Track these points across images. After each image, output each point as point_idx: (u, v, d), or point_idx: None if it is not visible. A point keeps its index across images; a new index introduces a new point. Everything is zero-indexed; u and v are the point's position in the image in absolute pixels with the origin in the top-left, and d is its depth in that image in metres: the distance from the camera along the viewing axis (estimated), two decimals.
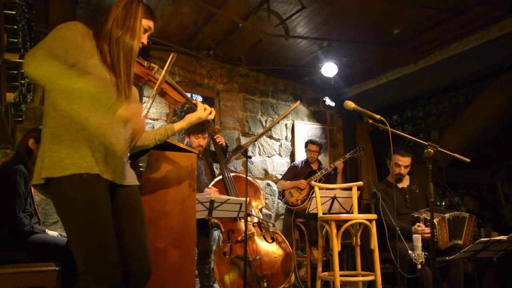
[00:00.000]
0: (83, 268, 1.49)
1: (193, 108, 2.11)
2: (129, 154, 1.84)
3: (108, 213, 1.56)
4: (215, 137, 3.95)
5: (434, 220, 3.12)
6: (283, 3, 3.74)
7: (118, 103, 1.50)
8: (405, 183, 3.69)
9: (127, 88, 1.66)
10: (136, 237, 1.69)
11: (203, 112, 2.07)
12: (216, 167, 4.18)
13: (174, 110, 4.80)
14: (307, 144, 4.83)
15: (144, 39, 1.79)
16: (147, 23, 1.77)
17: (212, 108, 2.12)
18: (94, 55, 1.61)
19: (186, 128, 2.13)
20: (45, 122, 1.58)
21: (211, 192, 3.43)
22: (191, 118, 2.08)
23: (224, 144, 4.02)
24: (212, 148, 4.11)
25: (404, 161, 3.60)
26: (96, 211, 1.52)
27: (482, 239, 2.92)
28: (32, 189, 2.93)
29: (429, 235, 3.14)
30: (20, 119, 2.85)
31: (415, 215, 3.33)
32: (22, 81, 2.48)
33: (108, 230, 1.53)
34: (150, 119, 4.58)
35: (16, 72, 2.36)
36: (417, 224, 3.25)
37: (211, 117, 2.11)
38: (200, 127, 3.78)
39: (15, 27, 2.16)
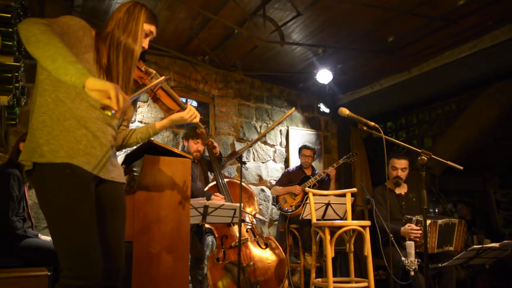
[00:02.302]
0: (64, 264, 1.48)
1: None
2: (118, 153, 1.82)
3: (91, 208, 1.54)
4: (209, 142, 3.95)
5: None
6: (279, 10, 3.76)
7: (85, 74, 1.33)
8: (402, 190, 3.71)
9: (125, 92, 1.66)
10: (117, 234, 1.69)
11: (189, 115, 2.00)
12: (210, 173, 4.18)
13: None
14: (301, 149, 4.84)
15: (146, 43, 1.79)
16: (149, 27, 1.77)
17: (198, 114, 2.06)
18: (90, 52, 1.61)
19: (167, 126, 2.06)
20: (32, 107, 1.57)
21: (218, 199, 3.43)
22: (174, 117, 2.00)
23: (218, 153, 4.03)
24: (206, 153, 4.10)
25: (400, 163, 3.62)
26: (78, 207, 1.50)
27: (475, 246, 2.94)
28: (26, 193, 2.92)
29: (418, 235, 3.17)
30: (14, 122, 2.83)
31: (408, 217, 3.34)
32: (16, 84, 2.47)
33: (90, 226, 1.52)
34: (145, 123, 4.57)
35: (10, 75, 2.35)
36: (408, 224, 3.26)
37: (196, 120, 2.05)
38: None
39: (10, 30, 2.16)
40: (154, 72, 1.85)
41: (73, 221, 1.49)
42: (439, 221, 3.23)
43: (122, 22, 1.69)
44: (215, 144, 4.03)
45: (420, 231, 3.17)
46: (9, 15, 2.11)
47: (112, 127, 1.70)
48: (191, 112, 2.01)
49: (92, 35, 1.65)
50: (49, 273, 2.58)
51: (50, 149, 1.49)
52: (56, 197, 1.49)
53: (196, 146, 3.79)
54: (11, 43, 2.21)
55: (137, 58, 1.74)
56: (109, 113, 1.33)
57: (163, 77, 1.85)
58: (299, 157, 4.86)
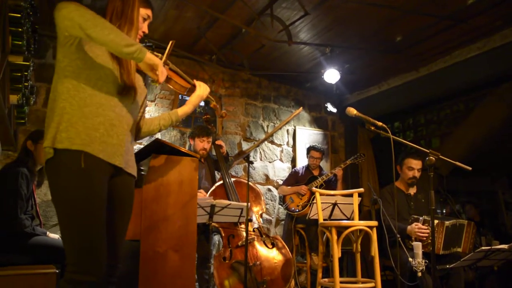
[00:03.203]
0: (71, 259, 1.49)
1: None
2: (134, 145, 1.84)
3: (103, 204, 1.56)
4: (217, 142, 3.96)
5: None
6: (287, 9, 3.76)
7: (143, 51, 1.55)
8: (412, 190, 3.69)
9: (129, 76, 1.68)
10: (120, 231, 1.71)
11: (203, 90, 2.02)
12: (217, 172, 4.19)
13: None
14: (309, 150, 4.82)
15: (145, 28, 1.81)
16: (145, 12, 1.79)
17: (207, 86, 2.07)
18: None
19: (190, 112, 2.07)
20: (54, 96, 1.59)
21: (201, 196, 3.40)
22: (192, 99, 2.02)
23: (225, 152, 4.03)
24: (213, 153, 4.11)
25: (417, 164, 3.59)
26: (91, 203, 1.51)
27: (483, 248, 2.91)
28: (35, 191, 2.94)
29: (425, 234, 3.15)
30: (23, 121, 2.86)
31: (415, 217, 3.32)
32: (25, 83, 2.49)
33: (100, 223, 1.53)
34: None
35: (20, 74, 2.37)
36: (414, 223, 3.24)
37: (207, 90, 2.05)
38: (205, 131, 3.78)
39: (20, 29, 2.18)
40: (160, 54, 1.84)
41: (83, 216, 1.50)
42: (446, 223, 3.20)
43: (118, 10, 1.71)
44: (222, 143, 4.04)
45: (427, 231, 3.15)
46: (19, 15, 2.13)
47: (130, 115, 1.72)
48: (202, 87, 2.02)
49: None
50: (57, 271, 2.59)
51: (68, 135, 1.51)
52: (68, 189, 1.50)
53: (202, 144, 3.79)
54: (20, 42, 2.23)
55: None
56: (156, 84, 1.68)
57: (170, 42, 1.85)
58: (307, 158, 4.84)
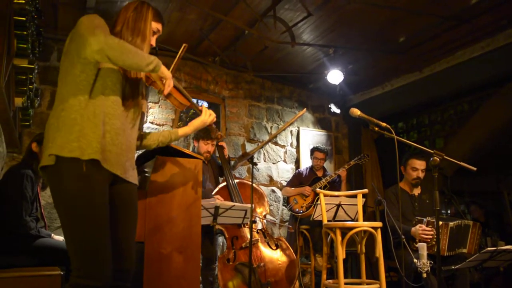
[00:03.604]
0: (75, 264, 1.50)
1: (198, 114, 2.12)
2: (135, 155, 1.86)
3: (105, 209, 1.57)
4: (220, 144, 3.97)
5: None
6: (290, 10, 3.76)
7: (159, 64, 1.65)
8: (417, 191, 3.67)
9: (134, 85, 1.72)
10: (128, 235, 1.71)
11: (207, 116, 2.09)
12: (220, 178, 4.19)
13: (179, 116, 4.82)
14: (313, 151, 4.82)
15: (153, 41, 1.82)
16: (156, 26, 1.80)
17: (213, 112, 2.13)
18: None
19: (190, 133, 2.15)
20: (64, 107, 1.59)
21: (218, 200, 3.43)
22: (195, 123, 2.10)
23: (227, 156, 4.04)
24: (216, 154, 4.11)
25: (421, 164, 3.57)
26: (93, 208, 1.52)
27: (489, 249, 2.90)
28: (39, 193, 2.95)
29: (429, 236, 3.13)
30: (28, 123, 2.88)
31: (419, 218, 3.30)
32: (30, 86, 2.51)
33: (103, 227, 1.54)
34: (156, 124, 4.60)
35: (24, 77, 2.39)
36: (419, 225, 3.23)
37: (213, 120, 2.12)
38: (210, 133, 3.79)
39: (25, 33, 2.19)
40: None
41: (87, 221, 1.51)
42: (451, 224, 3.19)
43: (131, 21, 1.73)
44: (225, 145, 4.04)
45: (431, 232, 3.13)
46: (24, 18, 2.14)
47: (132, 126, 1.74)
48: (207, 113, 2.09)
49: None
50: (62, 273, 2.59)
51: (79, 145, 1.53)
52: (71, 194, 1.51)
53: (206, 147, 3.80)
54: (25, 45, 2.25)
55: None
56: (160, 95, 1.81)
57: (183, 46, 1.91)
58: (311, 159, 4.84)
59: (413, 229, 3.24)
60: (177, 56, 1.85)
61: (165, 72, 1.71)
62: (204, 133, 3.79)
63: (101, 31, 1.53)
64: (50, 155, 1.54)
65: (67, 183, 1.51)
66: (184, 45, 1.87)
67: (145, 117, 2.10)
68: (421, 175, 3.58)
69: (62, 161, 1.52)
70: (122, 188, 1.70)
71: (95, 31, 1.50)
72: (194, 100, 2.44)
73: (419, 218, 3.28)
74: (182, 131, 2.09)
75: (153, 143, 2.01)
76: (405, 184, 3.67)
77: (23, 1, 2.09)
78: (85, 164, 1.52)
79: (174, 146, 2.39)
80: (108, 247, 1.54)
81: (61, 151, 1.52)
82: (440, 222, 3.11)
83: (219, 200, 3.50)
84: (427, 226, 3.19)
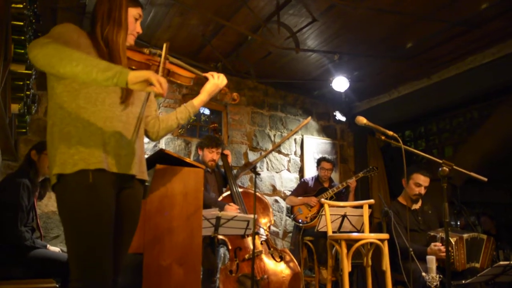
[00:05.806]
0: (75, 275, 1.48)
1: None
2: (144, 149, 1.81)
3: (111, 222, 1.54)
4: (224, 152, 3.93)
5: (452, 240, 3.01)
6: (294, 16, 3.69)
7: (124, 73, 1.37)
8: (416, 205, 3.56)
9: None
10: (123, 247, 1.68)
11: (217, 79, 1.96)
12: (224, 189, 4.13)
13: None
14: (319, 161, 4.73)
15: (138, 27, 1.78)
16: (135, 11, 1.75)
17: (222, 75, 2.01)
18: (90, 51, 1.60)
19: (206, 100, 1.96)
20: (53, 121, 1.57)
21: (232, 209, 3.38)
22: (208, 87, 1.95)
23: (231, 164, 4.01)
24: (220, 162, 4.04)
25: (426, 181, 3.45)
26: (99, 221, 1.50)
27: (501, 263, 2.82)
28: (36, 202, 2.89)
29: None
30: (24, 130, 2.82)
31: (432, 234, 3.20)
32: (27, 92, 2.45)
33: (107, 241, 1.52)
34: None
35: (21, 83, 2.34)
36: (433, 243, 3.12)
37: (225, 82, 2.00)
38: (215, 141, 3.76)
39: (22, 38, 2.16)
40: (159, 51, 1.78)
41: (92, 234, 1.49)
42: (465, 236, 3.10)
43: (106, 13, 1.67)
44: (229, 153, 3.99)
45: (449, 249, 3.02)
46: (22, 23, 2.11)
47: (137, 119, 1.70)
48: (215, 76, 1.97)
49: (86, 35, 1.65)
50: (57, 285, 2.55)
51: (81, 157, 1.51)
52: (77, 205, 1.49)
53: (211, 155, 3.76)
54: (22, 51, 2.21)
55: (125, 46, 1.69)
56: (160, 98, 1.57)
57: (165, 44, 1.76)
58: (317, 170, 4.75)
59: (428, 249, 3.13)
60: (162, 56, 1.74)
61: (141, 74, 1.39)
62: (208, 141, 3.76)
63: (49, 39, 1.44)
64: (54, 175, 1.52)
65: (75, 196, 1.50)
66: (165, 43, 1.77)
67: (156, 103, 1.99)
68: (423, 192, 3.48)
69: (67, 178, 1.51)
70: (130, 192, 1.67)
71: (41, 40, 1.43)
72: None
73: (432, 234, 3.18)
74: (197, 100, 1.95)
75: (173, 123, 1.92)
76: (403, 199, 3.55)
77: (21, 6, 2.06)
78: (92, 173, 1.50)
79: (175, 154, 2.35)
80: (110, 260, 1.53)
81: (64, 169, 1.50)
82: (455, 238, 3.01)
83: (231, 209, 3.44)
84: (442, 243, 3.08)
